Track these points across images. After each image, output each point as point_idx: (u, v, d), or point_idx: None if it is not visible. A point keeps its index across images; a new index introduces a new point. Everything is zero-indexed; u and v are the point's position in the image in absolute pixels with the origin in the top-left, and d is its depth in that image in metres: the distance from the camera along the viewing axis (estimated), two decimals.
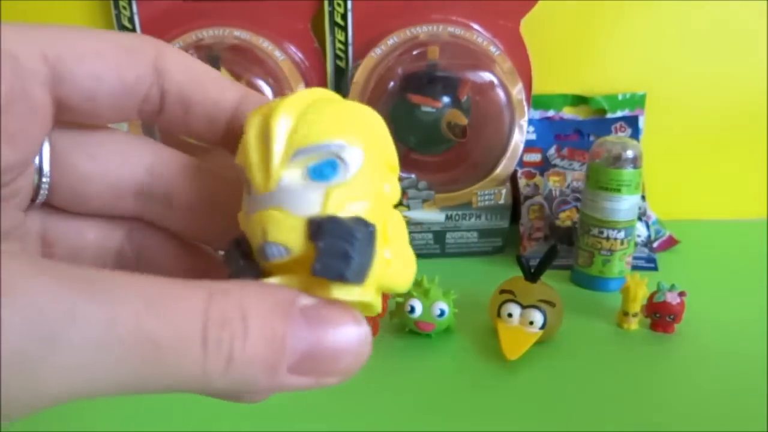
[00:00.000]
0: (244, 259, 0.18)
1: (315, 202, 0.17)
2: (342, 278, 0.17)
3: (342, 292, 0.17)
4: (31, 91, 0.17)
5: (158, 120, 0.20)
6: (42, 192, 0.19)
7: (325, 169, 0.17)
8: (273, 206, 0.17)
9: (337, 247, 0.17)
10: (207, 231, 0.21)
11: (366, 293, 0.18)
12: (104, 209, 0.20)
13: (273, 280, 0.18)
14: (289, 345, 0.16)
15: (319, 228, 0.17)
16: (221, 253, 0.19)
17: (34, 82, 0.17)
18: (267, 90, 0.67)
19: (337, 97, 0.19)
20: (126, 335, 0.14)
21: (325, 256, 0.17)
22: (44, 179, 0.19)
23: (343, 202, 0.17)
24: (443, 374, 0.50)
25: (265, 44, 0.70)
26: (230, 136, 0.20)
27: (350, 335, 0.17)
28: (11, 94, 0.16)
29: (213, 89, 0.19)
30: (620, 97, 0.76)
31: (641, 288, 0.54)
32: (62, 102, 0.18)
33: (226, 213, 0.20)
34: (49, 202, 0.20)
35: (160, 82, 0.19)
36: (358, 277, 0.17)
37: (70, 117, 0.18)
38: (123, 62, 0.18)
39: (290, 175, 0.17)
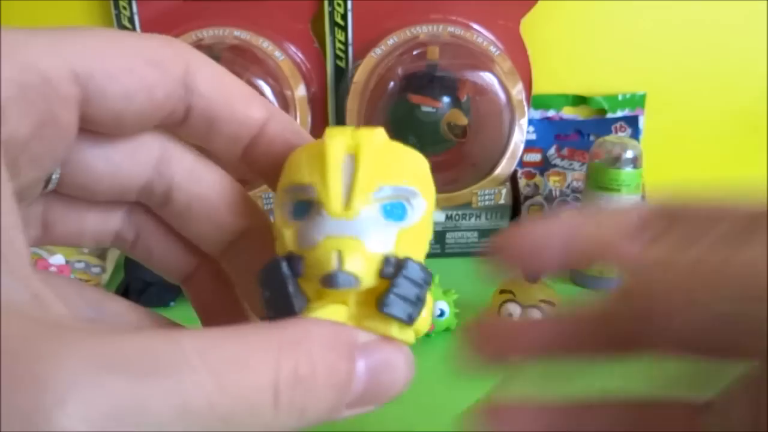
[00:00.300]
0: (294, 280, 0.18)
1: (389, 241, 0.18)
2: (409, 320, 0.18)
3: (400, 332, 0.18)
4: (61, 116, 0.17)
5: (178, 131, 0.20)
6: (50, 186, 0.19)
7: (398, 210, 0.18)
8: (351, 236, 0.17)
9: (411, 291, 0.18)
10: (200, 233, 0.21)
11: (413, 335, 0.19)
12: (108, 199, 0.20)
13: (328, 312, 0.18)
14: (352, 387, 0.16)
15: (398, 268, 0.18)
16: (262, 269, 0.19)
17: (65, 106, 0.16)
18: (267, 90, 0.67)
19: (399, 145, 0.20)
20: (197, 419, 0.13)
21: (399, 296, 0.18)
22: (55, 176, 0.19)
23: (410, 246, 0.18)
24: (443, 374, 0.50)
25: (265, 44, 0.70)
26: (251, 155, 0.20)
27: (403, 370, 0.18)
28: (42, 119, 0.16)
29: (240, 107, 0.19)
30: (620, 97, 0.76)
31: None
32: (88, 119, 0.17)
33: (222, 219, 0.20)
34: (54, 190, 0.20)
35: (187, 97, 0.19)
36: (415, 320, 0.18)
37: (91, 128, 0.18)
38: (153, 79, 0.18)
39: (369, 210, 0.18)
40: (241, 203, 0.21)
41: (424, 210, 0.19)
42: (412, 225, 0.19)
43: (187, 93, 0.18)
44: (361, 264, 0.17)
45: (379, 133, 0.19)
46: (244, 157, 0.20)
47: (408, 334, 0.18)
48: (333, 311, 0.18)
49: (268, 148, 0.20)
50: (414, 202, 0.19)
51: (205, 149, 0.21)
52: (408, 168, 0.19)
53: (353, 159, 0.18)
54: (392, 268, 0.18)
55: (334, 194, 0.18)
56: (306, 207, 0.18)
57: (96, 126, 0.18)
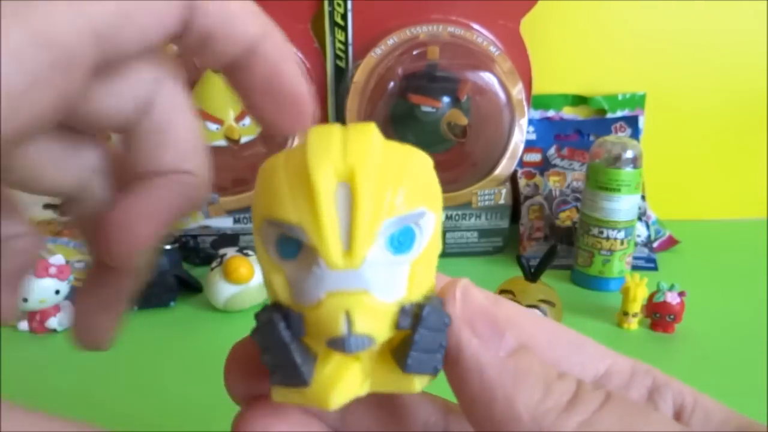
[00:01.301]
0: (297, 342, 0.15)
1: (401, 282, 0.15)
2: (435, 373, 0.16)
3: (422, 384, 0.16)
4: (76, 84, 0.15)
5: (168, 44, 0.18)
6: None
7: (405, 240, 0.16)
8: (357, 289, 0.15)
9: (433, 341, 0.16)
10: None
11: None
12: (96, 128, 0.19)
13: (341, 376, 0.16)
14: None
15: (415, 318, 0.15)
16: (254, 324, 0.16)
17: (83, 74, 0.15)
18: None
19: (398, 148, 0.16)
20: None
21: (421, 351, 0.15)
22: None
23: (424, 278, 0.16)
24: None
25: None
26: (235, 70, 0.19)
27: None
28: (58, 102, 0.15)
29: (238, 27, 0.18)
30: (620, 97, 0.76)
31: (641, 288, 0.54)
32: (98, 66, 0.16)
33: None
34: None
35: (189, 15, 0.17)
36: (440, 369, 0.16)
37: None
38: (162, 10, 0.16)
39: (374, 251, 0.15)
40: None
41: (433, 226, 0.16)
42: (422, 251, 0.16)
43: (191, 11, 0.17)
44: (373, 322, 0.15)
45: (374, 143, 0.15)
46: (227, 70, 0.19)
47: (428, 381, 0.17)
48: (347, 374, 0.16)
49: (255, 69, 0.18)
50: (422, 223, 0.16)
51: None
52: (413, 184, 0.16)
53: (348, 190, 0.15)
54: (409, 319, 0.15)
55: (332, 240, 0.15)
56: (294, 247, 0.15)
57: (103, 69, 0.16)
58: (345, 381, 0.16)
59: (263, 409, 0.17)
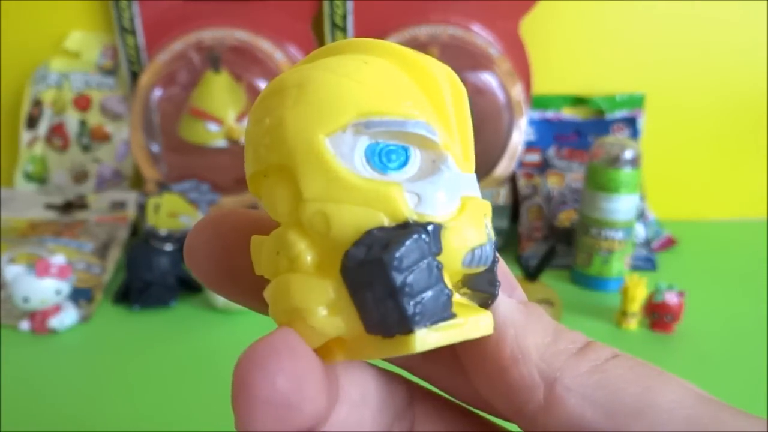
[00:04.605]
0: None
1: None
2: (494, 300, 0.14)
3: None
4: None
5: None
6: None
7: None
8: (476, 195, 0.14)
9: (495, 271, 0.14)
10: None
11: None
12: None
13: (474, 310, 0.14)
14: None
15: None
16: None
17: None
18: None
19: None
20: None
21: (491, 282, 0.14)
22: None
23: None
24: None
25: (265, 45, 0.70)
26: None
27: None
28: None
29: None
30: (618, 98, 0.76)
31: (640, 288, 0.55)
32: None
33: None
34: None
35: None
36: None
37: None
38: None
39: None
40: None
41: None
42: None
43: None
44: (492, 231, 0.13)
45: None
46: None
47: None
48: (462, 301, 0.14)
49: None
50: None
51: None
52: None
53: (451, 93, 0.13)
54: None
55: (464, 139, 0.14)
56: (402, 154, 0.13)
57: None
58: (479, 307, 0.13)
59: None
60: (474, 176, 0.13)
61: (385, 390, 0.16)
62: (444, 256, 0.12)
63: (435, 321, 0.12)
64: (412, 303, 0.12)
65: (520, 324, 0.15)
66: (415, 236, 0.12)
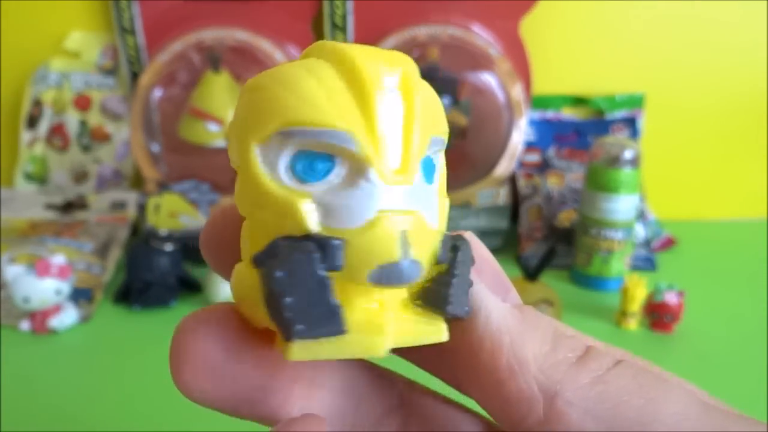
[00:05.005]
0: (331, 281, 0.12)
1: (435, 211, 0.14)
2: (467, 315, 0.14)
3: (447, 333, 0.14)
4: None
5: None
6: None
7: (430, 168, 0.14)
8: (412, 209, 0.13)
9: (466, 278, 0.14)
10: None
11: None
12: None
13: (389, 326, 0.13)
14: None
15: (455, 252, 0.13)
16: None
17: None
18: None
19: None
20: None
21: (458, 289, 0.13)
22: None
23: (444, 213, 0.14)
24: None
25: (265, 45, 0.70)
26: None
27: None
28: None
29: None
30: (618, 98, 0.76)
31: (640, 288, 0.55)
32: None
33: None
34: None
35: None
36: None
37: None
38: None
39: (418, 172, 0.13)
40: None
41: (442, 162, 0.15)
42: (439, 186, 0.14)
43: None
44: (424, 248, 0.13)
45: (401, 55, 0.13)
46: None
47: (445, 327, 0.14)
48: (383, 319, 0.13)
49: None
50: (440, 155, 0.14)
51: None
52: (441, 109, 0.14)
53: (396, 96, 0.13)
54: (448, 251, 0.13)
55: (390, 149, 0.12)
56: (326, 163, 0.13)
57: None
58: (387, 324, 0.13)
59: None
60: (411, 188, 0.13)
61: (376, 385, 0.16)
62: (348, 271, 0.12)
63: (318, 335, 0.12)
64: (291, 315, 0.12)
65: (516, 331, 0.14)
66: (303, 250, 0.12)
